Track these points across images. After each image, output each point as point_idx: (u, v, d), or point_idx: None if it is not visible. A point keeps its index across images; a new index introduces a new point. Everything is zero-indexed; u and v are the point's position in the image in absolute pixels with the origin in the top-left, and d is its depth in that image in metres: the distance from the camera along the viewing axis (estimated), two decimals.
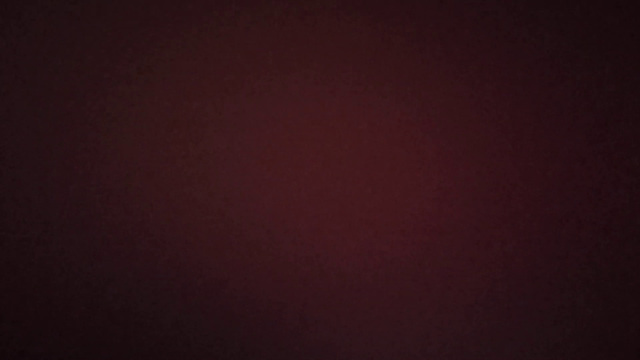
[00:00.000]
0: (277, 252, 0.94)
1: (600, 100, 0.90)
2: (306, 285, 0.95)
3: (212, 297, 0.95)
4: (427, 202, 0.92)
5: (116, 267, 0.96)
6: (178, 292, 0.96)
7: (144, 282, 0.96)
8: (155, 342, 0.97)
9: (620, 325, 0.92)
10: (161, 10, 0.93)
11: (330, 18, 0.92)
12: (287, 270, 0.95)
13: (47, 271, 0.97)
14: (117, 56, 0.94)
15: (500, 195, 0.92)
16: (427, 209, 0.92)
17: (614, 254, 0.91)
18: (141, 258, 0.96)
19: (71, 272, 0.97)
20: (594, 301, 0.92)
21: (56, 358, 0.98)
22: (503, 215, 0.92)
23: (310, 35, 0.92)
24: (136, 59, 0.94)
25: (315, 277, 0.94)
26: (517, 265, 0.92)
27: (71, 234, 0.96)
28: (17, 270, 0.97)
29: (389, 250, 0.93)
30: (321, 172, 0.93)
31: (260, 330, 0.96)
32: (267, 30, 0.92)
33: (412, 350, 0.94)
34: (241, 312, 0.96)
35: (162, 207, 0.95)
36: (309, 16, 0.92)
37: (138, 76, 0.94)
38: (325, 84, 0.92)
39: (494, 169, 0.91)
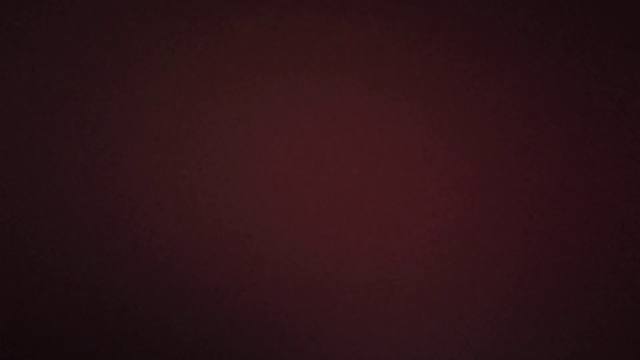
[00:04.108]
0: (280, 255, 0.95)
1: (612, 101, 0.90)
2: (312, 289, 0.95)
3: (218, 301, 0.96)
4: (436, 203, 0.92)
5: (121, 272, 0.96)
6: (183, 296, 0.96)
7: (148, 286, 0.96)
8: (160, 347, 0.97)
9: (632, 326, 0.92)
10: (168, 12, 0.93)
11: (336, 19, 0.92)
12: (293, 273, 0.95)
13: (50, 273, 0.97)
14: (125, 58, 0.94)
15: (511, 196, 0.92)
16: (435, 210, 0.93)
17: (630, 255, 0.91)
18: (146, 262, 0.96)
19: (74, 275, 0.97)
20: (609, 304, 0.92)
21: (54, 357, 0.98)
22: (512, 216, 0.92)
23: (315, 36, 0.92)
24: (144, 60, 0.94)
25: (322, 280, 0.95)
26: (526, 266, 0.92)
27: (75, 237, 0.96)
28: (19, 272, 0.97)
29: (396, 253, 0.93)
30: (327, 175, 0.93)
31: (266, 333, 0.96)
32: (273, 31, 0.93)
33: (419, 353, 0.95)
34: (248, 317, 0.96)
35: (168, 210, 0.95)
36: (314, 16, 0.92)
37: (145, 78, 0.94)
38: (331, 86, 0.92)
39: (504, 170, 0.92)
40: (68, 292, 0.97)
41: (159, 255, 0.96)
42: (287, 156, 0.94)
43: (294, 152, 0.94)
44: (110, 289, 0.97)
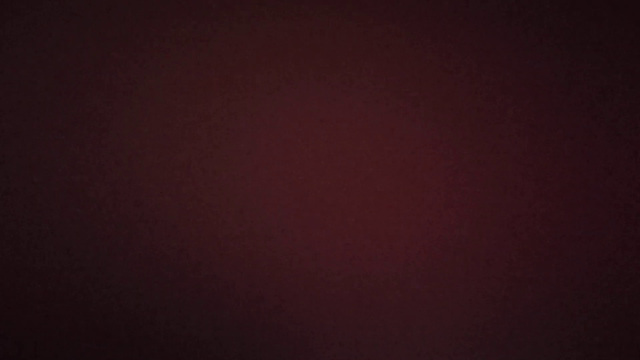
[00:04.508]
0: (280, 254, 0.94)
1: (614, 103, 0.90)
2: (313, 288, 0.95)
3: (218, 300, 0.96)
4: (437, 205, 0.92)
5: (121, 271, 0.96)
6: (179, 292, 0.96)
7: (148, 285, 0.96)
8: (160, 347, 0.97)
9: (632, 332, 0.92)
10: (166, 10, 0.93)
11: (336, 17, 0.92)
12: (291, 276, 0.95)
13: (48, 271, 0.97)
14: (122, 56, 0.94)
15: (512, 199, 0.92)
16: (436, 211, 0.92)
17: (632, 261, 0.91)
18: (145, 261, 0.96)
19: (73, 275, 0.97)
20: (607, 308, 0.92)
21: (55, 358, 0.98)
22: (514, 217, 0.92)
23: (316, 36, 0.92)
24: (141, 59, 0.94)
25: (323, 280, 0.94)
26: (527, 272, 0.92)
27: (73, 237, 0.96)
28: (18, 271, 0.98)
29: (397, 254, 0.93)
30: (327, 175, 0.93)
31: (264, 335, 0.96)
32: (271, 30, 0.93)
33: (420, 354, 0.95)
34: (248, 316, 0.96)
35: (168, 209, 0.95)
36: (313, 16, 0.92)
37: (143, 76, 0.94)
38: (332, 85, 0.92)
39: (505, 172, 0.91)
40: (67, 292, 0.98)
41: (159, 255, 0.96)
42: (289, 155, 0.94)
43: (297, 152, 0.94)
44: (110, 288, 0.97)
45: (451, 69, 0.91)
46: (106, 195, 0.96)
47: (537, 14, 0.90)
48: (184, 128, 0.94)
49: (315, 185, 0.94)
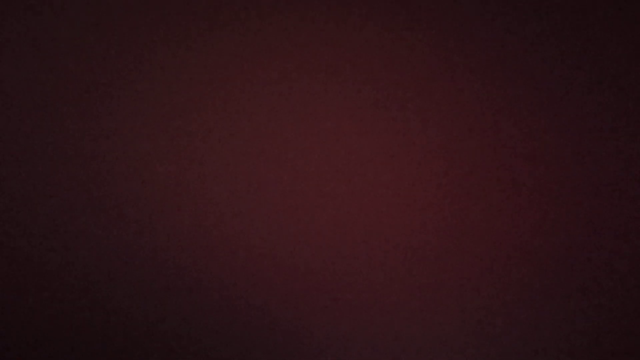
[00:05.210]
0: (279, 255, 0.94)
1: (610, 99, 0.90)
2: (308, 288, 0.95)
3: (219, 300, 0.96)
4: (433, 204, 0.92)
5: (121, 271, 0.96)
6: (179, 293, 0.96)
7: (149, 284, 0.96)
8: (159, 346, 0.97)
9: (630, 327, 0.92)
10: (166, 13, 0.93)
11: (333, 20, 0.92)
12: (290, 273, 0.95)
13: (49, 271, 0.97)
14: (123, 58, 0.94)
15: (509, 196, 0.92)
16: (433, 210, 0.92)
17: (632, 256, 0.91)
18: (146, 260, 0.96)
19: (73, 274, 0.97)
20: (607, 307, 0.92)
21: (55, 358, 0.98)
22: (511, 215, 0.92)
23: (317, 36, 0.92)
24: (141, 59, 0.94)
25: (319, 279, 0.94)
26: (524, 266, 0.92)
27: (74, 236, 0.96)
28: (18, 270, 0.97)
29: (394, 254, 0.93)
30: (325, 175, 0.93)
31: (263, 333, 0.96)
32: (271, 32, 0.93)
33: (415, 353, 0.95)
34: (248, 315, 0.96)
35: (168, 209, 0.95)
36: (314, 17, 0.92)
37: (142, 78, 0.94)
38: (330, 85, 0.92)
39: (502, 169, 0.91)
40: (68, 291, 0.98)
41: (160, 254, 0.96)
42: (287, 155, 0.94)
43: (295, 152, 0.93)
44: (110, 287, 0.97)
45: (451, 69, 0.91)
46: (107, 196, 0.95)
47: (536, 14, 0.90)
48: (186, 128, 0.94)
49: (314, 185, 0.94)
